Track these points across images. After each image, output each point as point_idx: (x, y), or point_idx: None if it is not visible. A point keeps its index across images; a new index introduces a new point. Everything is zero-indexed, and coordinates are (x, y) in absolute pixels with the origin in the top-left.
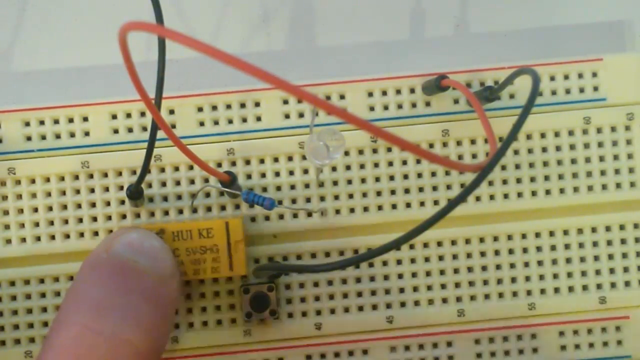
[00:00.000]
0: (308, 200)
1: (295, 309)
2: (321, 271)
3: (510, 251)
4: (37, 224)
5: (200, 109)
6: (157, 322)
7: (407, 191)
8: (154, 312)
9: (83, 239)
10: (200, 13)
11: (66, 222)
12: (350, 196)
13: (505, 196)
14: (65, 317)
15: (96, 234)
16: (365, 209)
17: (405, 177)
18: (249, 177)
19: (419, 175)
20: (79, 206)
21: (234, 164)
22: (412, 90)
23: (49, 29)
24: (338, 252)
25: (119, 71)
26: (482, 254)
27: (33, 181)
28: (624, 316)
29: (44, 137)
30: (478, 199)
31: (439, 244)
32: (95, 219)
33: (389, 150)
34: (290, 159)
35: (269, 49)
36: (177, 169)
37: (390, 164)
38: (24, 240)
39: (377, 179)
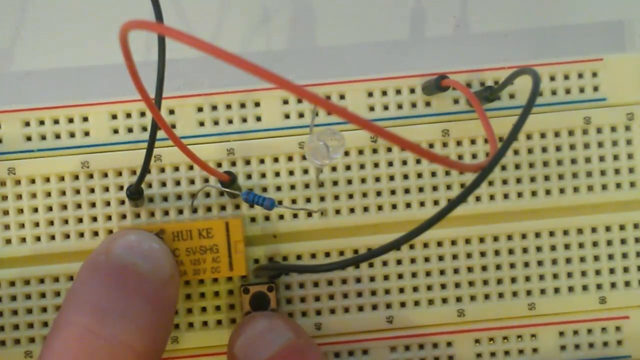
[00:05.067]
0: (308, 200)
1: (295, 309)
2: (321, 271)
3: (510, 251)
4: (37, 224)
5: (200, 109)
6: (156, 324)
7: (407, 191)
8: (153, 314)
9: (83, 239)
10: (200, 13)
11: (66, 222)
12: (350, 196)
13: (505, 196)
14: (64, 319)
15: (96, 234)
16: (365, 209)
17: (405, 177)
18: (249, 177)
19: (419, 175)
20: (79, 206)
21: (234, 164)
22: (412, 90)
23: (49, 29)
24: (338, 252)
25: (119, 71)
26: (482, 254)
27: (33, 181)
28: (624, 316)
29: (44, 137)
30: (478, 199)
31: (439, 244)
32: (95, 219)
33: (389, 150)
34: (290, 159)
35: (269, 49)
36: (177, 169)
37: (390, 164)
38: (24, 240)
39: (377, 179)
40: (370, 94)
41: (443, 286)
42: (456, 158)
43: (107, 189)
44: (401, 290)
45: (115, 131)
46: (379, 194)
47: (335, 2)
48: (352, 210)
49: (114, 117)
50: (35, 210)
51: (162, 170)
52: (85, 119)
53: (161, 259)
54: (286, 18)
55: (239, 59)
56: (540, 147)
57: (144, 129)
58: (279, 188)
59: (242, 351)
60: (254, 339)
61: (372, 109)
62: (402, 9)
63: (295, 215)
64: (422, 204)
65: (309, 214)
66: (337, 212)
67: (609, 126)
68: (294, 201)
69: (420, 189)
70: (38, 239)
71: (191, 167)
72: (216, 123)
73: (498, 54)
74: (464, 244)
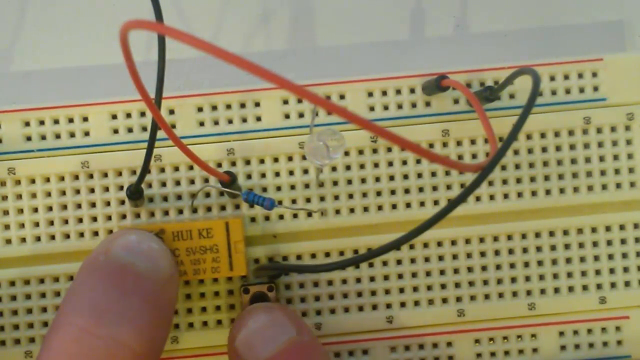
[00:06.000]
0: (308, 200)
1: (295, 309)
2: (321, 271)
3: (510, 251)
4: (37, 224)
5: (200, 109)
6: (155, 324)
7: (407, 191)
8: (152, 315)
9: (83, 239)
10: (200, 13)
11: (66, 222)
12: (350, 196)
13: (505, 196)
14: (63, 319)
15: (96, 234)
16: (365, 209)
17: (405, 177)
18: (249, 177)
19: (419, 175)
20: (79, 206)
21: (234, 164)
22: (412, 90)
23: (49, 29)
24: (338, 252)
25: (119, 71)
26: (482, 254)
27: (33, 181)
28: (624, 316)
29: (44, 137)
30: (478, 199)
31: (439, 244)
32: (95, 219)
33: (389, 150)
34: (290, 159)
35: (269, 49)
36: (177, 169)
37: (390, 164)
38: (24, 240)
39: (377, 179)
40: (370, 94)
41: (443, 286)
42: (456, 158)
43: (107, 189)
44: (401, 290)
45: (115, 131)
46: (379, 194)
47: (335, 2)
48: (352, 210)
49: (114, 117)
50: (35, 210)
51: (162, 170)
52: (85, 119)
53: (160, 259)
54: (286, 18)
55: (239, 58)
56: (540, 147)
57: (144, 129)
58: (279, 188)
59: (244, 346)
60: (255, 335)
61: (372, 109)
62: (402, 9)
63: (295, 215)
64: (422, 204)
65: (309, 214)
66: (337, 212)
67: (609, 126)
68: (294, 201)
69: (420, 189)
70: (38, 239)
71: (191, 167)
72: (216, 123)
73: (498, 54)
74: (464, 244)
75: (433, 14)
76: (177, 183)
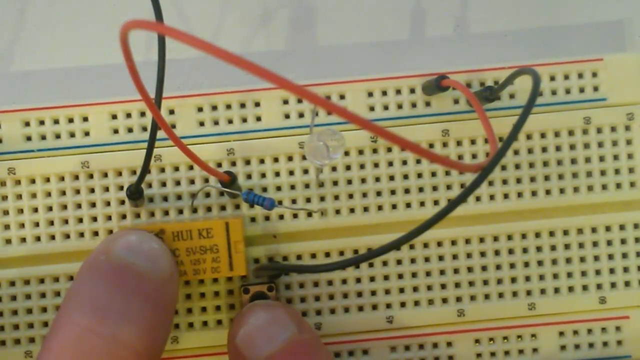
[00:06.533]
0: (308, 200)
1: (295, 309)
2: (321, 271)
3: (510, 251)
4: (37, 224)
5: (200, 109)
6: (156, 323)
7: (407, 191)
8: (152, 314)
9: (83, 239)
10: (200, 13)
11: (66, 222)
12: (350, 196)
13: (505, 196)
14: (64, 319)
15: (96, 234)
16: (365, 209)
17: (405, 177)
18: (249, 177)
19: (419, 175)
20: (79, 206)
21: (234, 164)
22: (412, 90)
23: (49, 29)
24: (338, 252)
25: (119, 71)
26: (482, 254)
27: (33, 181)
28: (624, 316)
29: (44, 137)
30: (478, 199)
31: (439, 244)
32: (95, 219)
33: (389, 150)
34: (290, 159)
35: (269, 49)
36: (177, 169)
37: (390, 164)
38: (24, 240)
39: (377, 179)
40: (370, 94)
41: (443, 286)
42: (456, 158)
43: (107, 189)
44: (401, 290)
45: (115, 131)
46: (379, 194)
47: (335, 2)
48: (352, 210)
49: (114, 117)
50: (35, 210)
51: (162, 170)
52: (85, 119)
53: (161, 259)
54: (286, 18)
55: (239, 58)
56: (540, 147)
57: (144, 129)
58: (279, 188)
59: (245, 343)
60: (256, 332)
61: (372, 109)
62: (402, 9)
63: (295, 215)
64: (422, 204)
65: (309, 214)
66: (337, 212)
67: (609, 126)
68: (294, 201)
69: (420, 189)
70: (38, 239)
71: (191, 167)
72: (216, 123)
73: (498, 54)
74: (464, 244)
75: (433, 14)
76: (177, 183)
